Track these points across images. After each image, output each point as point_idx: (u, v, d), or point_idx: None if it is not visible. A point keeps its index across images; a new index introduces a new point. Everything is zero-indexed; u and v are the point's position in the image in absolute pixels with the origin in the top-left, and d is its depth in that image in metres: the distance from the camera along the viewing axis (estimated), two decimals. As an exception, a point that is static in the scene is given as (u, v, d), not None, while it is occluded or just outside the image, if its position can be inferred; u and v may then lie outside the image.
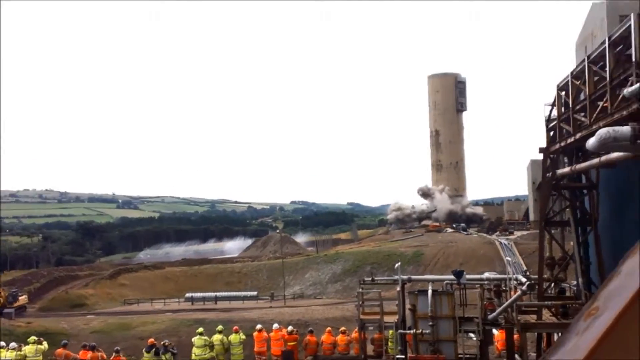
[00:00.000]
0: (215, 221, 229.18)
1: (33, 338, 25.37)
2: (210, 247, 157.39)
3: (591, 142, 14.06)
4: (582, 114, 15.44)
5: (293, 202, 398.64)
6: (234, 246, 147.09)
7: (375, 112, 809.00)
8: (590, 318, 3.19)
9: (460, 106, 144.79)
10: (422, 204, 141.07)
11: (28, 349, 23.96)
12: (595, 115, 14.11)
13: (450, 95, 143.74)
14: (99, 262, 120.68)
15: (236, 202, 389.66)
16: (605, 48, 13.11)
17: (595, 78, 14.62)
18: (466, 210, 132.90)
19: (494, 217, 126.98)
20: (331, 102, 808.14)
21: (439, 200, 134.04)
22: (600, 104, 13.72)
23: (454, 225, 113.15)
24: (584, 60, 15.17)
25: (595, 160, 14.62)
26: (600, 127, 13.18)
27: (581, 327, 3.22)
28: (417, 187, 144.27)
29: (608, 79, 12.85)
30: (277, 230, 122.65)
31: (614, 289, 3.31)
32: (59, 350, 24.16)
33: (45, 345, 24.99)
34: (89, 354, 23.68)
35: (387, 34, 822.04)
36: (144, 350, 24.33)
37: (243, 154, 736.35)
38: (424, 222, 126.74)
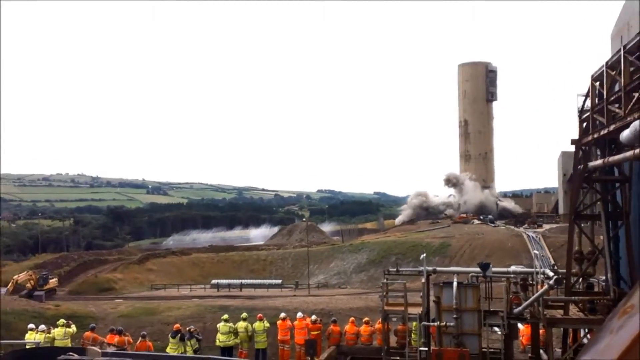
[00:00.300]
0: (242, 208, 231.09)
1: (62, 321, 25.73)
2: (236, 234, 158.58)
3: (625, 134, 13.73)
4: (617, 105, 15.09)
5: (320, 191, 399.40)
6: (260, 234, 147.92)
7: (403, 102, 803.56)
8: (625, 316, 3.05)
9: (490, 96, 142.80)
10: (449, 195, 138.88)
11: (57, 332, 24.34)
12: (630, 106, 13.77)
13: (480, 85, 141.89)
14: (128, 247, 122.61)
15: (263, 189, 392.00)
16: (641, 38, 12.74)
17: (631, 68, 14.30)
18: (497, 203, 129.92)
19: (522, 210, 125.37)
20: (360, 91, 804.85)
21: (468, 189, 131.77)
22: (636, 95, 13.37)
23: (482, 217, 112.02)
24: (619, 50, 14.79)
25: (629, 153, 14.24)
26: (635, 119, 12.86)
27: (615, 325, 3.07)
28: (444, 174, 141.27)
29: (644, 69, 12.50)
30: (303, 219, 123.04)
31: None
32: (87, 334, 24.49)
33: (73, 328, 25.35)
34: (116, 338, 23.98)
35: (419, 21, 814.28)
36: (169, 335, 24.55)
37: (271, 142, 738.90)
38: (446, 213, 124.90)
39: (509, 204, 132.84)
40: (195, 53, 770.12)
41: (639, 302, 3.22)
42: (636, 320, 2.97)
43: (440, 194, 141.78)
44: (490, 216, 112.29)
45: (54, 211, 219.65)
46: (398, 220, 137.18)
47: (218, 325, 25.60)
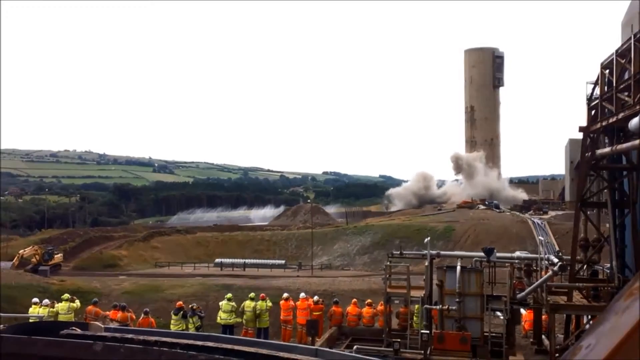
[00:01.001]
0: (248, 188, 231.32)
1: (66, 296, 25.85)
2: (241, 214, 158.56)
3: (634, 122, 13.59)
4: (626, 93, 14.95)
5: (325, 173, 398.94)
6: (264, 214, 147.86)
7: (410, 87, 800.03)
8: (631, 298, 2.97)
9: (497, 82, 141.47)
10: (460, 183, 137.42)
11: (60, 306, 24.47)
12: (639, 95, 13.60)
13: (487, 71, 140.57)
14: (133, 224, 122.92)
15: (269, 170, 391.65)
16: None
17: (642, 57, 14.10)
18: (505, 192, 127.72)
19: (528, 197, 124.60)
20: (368, 74, 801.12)
21: (477, 173, 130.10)
22: (646, 82, 13.20)
23: (487, 202, 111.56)
24: (630, 38, 14.62)
25: (637, 141, 14.12)
26: (644, 107, 12.70)
27: (621, 307, 2.99)
28: (451, 155, 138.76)
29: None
30: (308, 200, 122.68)
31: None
32: (90, 307, 24.66)
33: (77, 303, 25.48)
34: (119, 314, 24.12)
35: (427, 5, 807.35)
36: (172, 312, 24.69)
37: (278, 124, 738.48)
38: (446, 198, 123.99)
39: (516, 191, 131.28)
40: (205, 36, 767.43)
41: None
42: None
43: (446, 179, 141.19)
44: (495, 201, 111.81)
45: (60, 187, 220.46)
46: (394, 208, 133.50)
47: (220, 303, 25.67)
